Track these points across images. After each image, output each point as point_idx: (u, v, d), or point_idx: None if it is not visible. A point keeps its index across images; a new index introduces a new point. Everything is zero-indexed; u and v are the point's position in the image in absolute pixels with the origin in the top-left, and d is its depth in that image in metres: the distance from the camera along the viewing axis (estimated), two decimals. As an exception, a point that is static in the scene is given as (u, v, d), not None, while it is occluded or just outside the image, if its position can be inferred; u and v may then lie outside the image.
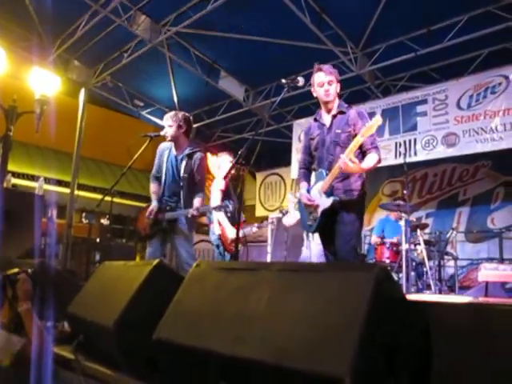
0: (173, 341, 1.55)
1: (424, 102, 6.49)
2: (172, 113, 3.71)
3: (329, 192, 2.86)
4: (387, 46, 6.10)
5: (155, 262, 2.01)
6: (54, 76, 6.74)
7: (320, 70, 2.98)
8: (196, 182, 3.63)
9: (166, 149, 3.77)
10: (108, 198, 4.09)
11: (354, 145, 2.64)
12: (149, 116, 8.60)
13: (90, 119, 8.03)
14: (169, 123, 3.63)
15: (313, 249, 4.75)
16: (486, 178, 7.24)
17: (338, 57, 6.20)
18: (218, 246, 4.49)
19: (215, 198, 4.45)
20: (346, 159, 2.60)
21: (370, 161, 2.80)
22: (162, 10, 6.05)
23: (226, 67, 7.28)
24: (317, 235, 4.31)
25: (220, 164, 4.75)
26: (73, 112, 7.74)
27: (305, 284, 1.38)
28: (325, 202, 2.85)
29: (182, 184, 3.60)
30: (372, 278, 1.23)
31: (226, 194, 4.49)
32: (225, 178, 3.49)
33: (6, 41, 6.41)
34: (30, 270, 2.42)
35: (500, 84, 5.77)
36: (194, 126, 8.91)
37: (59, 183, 9.13)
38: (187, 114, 3.76)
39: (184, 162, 3.61)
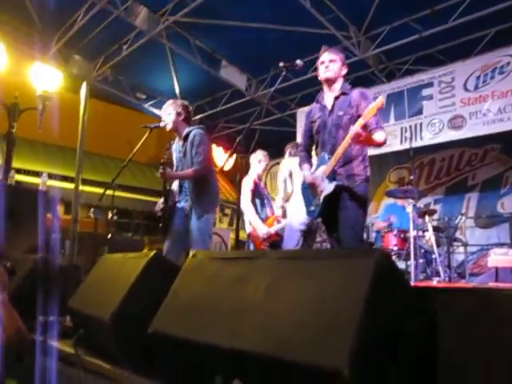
0: (169, 333, 1.50)
1: (430, 85, 6.36)
2: (169, 101, 3.61)
3: (331, 177, 2.76)
4: (391, 28, 5.97)
5: (151, 253, 1.97)
6: (55, 71, 6.70)
7: (325, 50, 2.90)
8: (192, 157, 3.41)
9: (175, 145, 3.67)
10: (109, 192, 4.03)
11: (357, 126, 2.55)
12: (151, 108, 8.54)
13: (93, 114, 7.98)
14: (167, 111, 3.54)
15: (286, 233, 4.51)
16: (495, 162, 7.09)
17: (341, 41, 6.07)
18: (249, 245, 4.48)
19: (245, 198, 4.37)
20: (358, 128, 2.50)
21: (378, 136, 2.71)
22: (160, 0, 5.96)
23: (226, 56, 7.19)
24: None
25: (251, 162, 4.64)
26: (75, 107, 7.70)
27: (303, 272, 1.32)
28: (327, 187, 2.75)
29: (180, 167, 3.49)
30: (372, 264, 1.16)
31: (255, 194, 4.45)
32: (221, 169, 3.33)
33: (7, 37, 6.37)
34: (8, 264, 2.37)
35: (508, 64, 5.62)
36: (197, 117, 8.86)
37: (64, 179, 9.11)
38: (185, 102, 3.65)
39: (181, 146, 3.51)
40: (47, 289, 2.96)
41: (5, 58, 6.16)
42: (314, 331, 1.10)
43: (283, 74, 2.84)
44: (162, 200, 3.50)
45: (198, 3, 5.52)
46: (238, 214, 2.86)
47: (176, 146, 3.64)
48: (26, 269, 3.05)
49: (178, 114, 3.52)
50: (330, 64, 2.83)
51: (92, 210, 11.47)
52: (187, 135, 3.47)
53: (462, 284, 4.42)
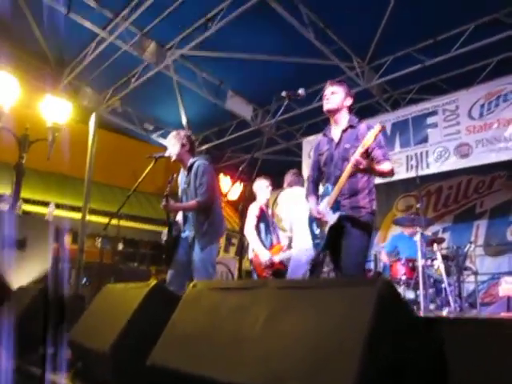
0: (167, 366, 1.47)
1: (434, 113, 6.39)
2: (174, 132, 3.65)
3: (335, 207, 2.76)
4: (394, 58, 6.05)
5: (152, 283, 1.94)
6: (65, 103, 6.85)
7: (328, 84, 2.97)
8: (196, 188, 3.43)
9: (180, 174, 3.71)
10: (115, 221, 4.04)
11: (357, 154, 2.55)
12: (158, 139, 8.65)
13: (102, 144, 8.10)
14: (172, 143, 3.58)
15: (291, 264, 4.44)
16: (503, 188, 7.02)
17: (345, 72, 6.16)
18: (251, 273, 4.43)
19: (250, 224, 4.38)
20: (358, 156, 2.51)
21: (383, 166, 2.72)
22: (167, 34, 6.12)
23: (232, 87, 7.31)
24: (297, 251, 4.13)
25: (257, 189, 4.63)
26: (85, 138, 7.82)
27: (303, 302, 1.29)
28: (331, 218, 2.75)
29: (183, 198, 3.52)
30: (375, 293, 1.13)
31: (260, 219, 4.43)
32: (225, 195, 3.31)
33: (19, 71, 6.55)
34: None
35: (512, 91, 5.65)
36: (204, 147, 8.95)
37: (73, 209, 9.16)
38: (188, 133, 3.70)
39: (185, 178, 3.54)
40: (48, 319, 2.93)
41: (17, 91, 6.32)
42: (314, 365, 1.07)
43: (286, 103, 2.87)
44: (166, 231, 3.52)
45: (203, 37, 5.66)
46: (241, 242, 2.82)
47: (181, 176, 3.67)
48: (28, 298, 3.03)
49: (183, 145, 3.55)
50: (331, 96, 2.90)
51: (99, 239, 11.50)
52: (191, 166, 3.51)
53: (469, 315, 4.29)
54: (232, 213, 10.87)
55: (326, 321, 1.17)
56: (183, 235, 3.50)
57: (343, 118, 2.93)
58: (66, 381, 2.09)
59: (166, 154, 3.61)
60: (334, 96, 2.90)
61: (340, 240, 2.75)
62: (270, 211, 4.68)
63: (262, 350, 1.22)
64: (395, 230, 6.62)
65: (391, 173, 2.76)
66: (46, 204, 8.90)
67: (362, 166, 2.54)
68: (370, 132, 2.54)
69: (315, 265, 3.96)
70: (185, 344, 1.49)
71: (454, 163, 6.17)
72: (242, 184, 5.04)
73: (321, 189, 3.12)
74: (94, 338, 2.03)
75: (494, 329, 1.20)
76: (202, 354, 1.39)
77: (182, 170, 3.67)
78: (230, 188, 3.04)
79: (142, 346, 1.63)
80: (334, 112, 2.92)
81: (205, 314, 1.54)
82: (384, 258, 5.81)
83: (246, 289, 1.50)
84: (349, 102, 2.95)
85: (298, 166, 8.10)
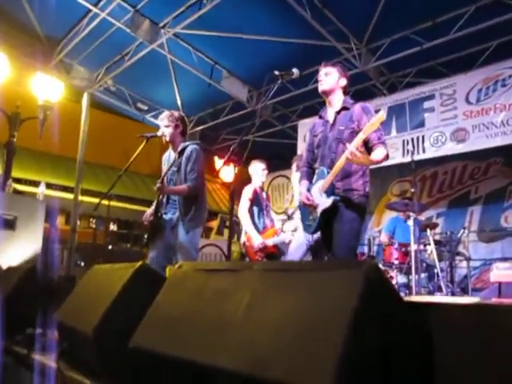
0: (149, 349, 1.43)
1: (431, 97, 6.31)
2: (167, 112, 3.60)
3: (329, 191, 2.72)
4: (392, 40, 5.95)
5: (138, 264, 1.90)
6: (56, 81, 6.72)
7: (322, 66, 2.93)
8: (187, 173, 3.41)
9: (166, 156, 3.67)
10: (107, 202, 3.99)
11: (357, 141, 2.50)
12: (152, 120, 8.54)
13: (95, 124, 8.00)
14: (165, 123, 3.51)
15: (291, 246, 4.43)
16: (499, 175, 7.00)
17: (342, 53, 6.06)
18: (243, 256, 4.41)
19: (243, 206, 4.36)
20: (353, 148, 2.47)
21: (378, 153, 2.67)
22: (161, 11, 5.98)
23: (227, 67, 7.19)
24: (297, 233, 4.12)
25: (252, 172, 4.60)
26: (77, 117, 7.72)
27: (288, 285, 1.25)
28: (325, 202, 2.72)
29: (173, 181, 3.46)
30: (361, 276, 1.09)
31: (254, 202, 4.40)
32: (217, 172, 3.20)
33: (9, 47, 6.39)
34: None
35: (510, 76, 5.56)
36: (198, 128, 8.85)
37: (65, 189, 9.10)
38: (182, 114, 3.65)
39: (175, 160, 3.48)
40: (36, 300, 2.90)
41: (7, 68, 6.18)
42: (296, 349, 1.03)
43: (279, 82, 2.80)
44: (150, 211, 3.48)
45: (197, 15, 5.53)
46: (230, 224, 2.79)
47: (167, 156, 3.63)
48: (15, 278, 3.00)
49: (176, 126, 3.51)
50: (325, 78, 2.87)
51: (94, 220, 11.48)
52: (183, 150, 3.47)
53: (465, 299, 4.31)
54: (227, 195, 10.84)
55: (311, 304, 1.13)
56: (166, 217, 3.45)
57: (338, 100, 2.89)
58: (51, 361, 2.06)
59: (159, 134, 3.54)
60: (328, 77, 2.87)
61: (332, 223, 2.73)
62: (264, 194, 4.64)
63: (246, 334, 1.18)
64: (391, 213, 6.60)
65: (385, 158, 2.71)
66: (38, 184, 8.83)
67: (356, 159, 2.49)
68: (373, 120, 2.47)
69: (318, 247, 3.94)
70: (168, 326, 1.45)
71: (450, 148, 6.13)
72: (236, 167, 4.98)
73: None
74: (78, 319, 1.99)
75: (482, 314, 1.17)
76: (184, 337, 1.35)
77: (170, 150, 3.63)
78: (221, 166, 2.98)
79: (127, 328, 1.60)
80: (328, 93, 2.88)
81: (189, 296, 1.50)
82: (384, 239, 5.81)
83: (232, 271, 1.45)
84: (343, 82, 2.90)
85: (293, 148, 8.05)
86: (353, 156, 2.48)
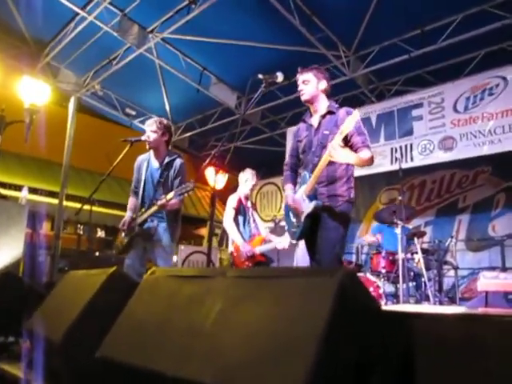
0: (116, 359, 1.35)
1: (419, 105, 6.33)
2: (156, 119, 3.60)
3: (312, 196, 2.68)
4: (380, 48, 5.95)
5: (111, 269, 1.83)
6: (43, 85, 6.62)
7: (298, 74, 2.88)
8: (174, 186, 3.42)
9: (144, 160, 3.63)
10: (96, 208, 3.94)
11: (336, 140, 2.45)
12: (141, 125, 8.46)
13: (82, 129, 7.88)
14: (152, 129, 3.50)
15: (297, 254, 4.50)
16: (487, 183, 7.02)
17: (331, 61, 6.05)
18: (231, 265, 4.38)
19: (228, 216, 4.37)
20: (335, 144, 2.43)
21: (362, 154, 2.63)
22: (150, 16, 5.93)
23: (216, 73, 7.15)
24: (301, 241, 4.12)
25: (241, 181, 4.60)
26: (63, 121, 7.61)
27: (260, 292, 1.19)
28: (307, 207, 2.67)
29: (159, 191, 3.43)
30: (335, 284, 1.03)
31: (238, 212, 4.39)
32: (213, 188, 3.13)
33: (-5, 49, 6.31)
34: None
35: (498, 85, 5.60)
36: (187, 134, 8.78)
37: (51, 194, 8.97)
38: (170, 123, 3.66)
39: (162, 171, 3.48)
40: (10, 307, 2.80)
41: (-9, 70, 6.09)
42: (265, 361, 0.97)
43: (263, 86, 2.75)
44: (127, 217, 3.49)
45: (187, 19, 5.48)
46: (210, 231, 2.72)
47: (149, 166, 3.57)
48: (-10, 285, 2.89)
49: (163, 133, 3.52)
50: (303, 87, 2.83)
51: (81, 227, 11.31)
52: (170, 162, 3.49)
53: (449, 308, 4.26)
54: (216, 202, 10.75)
55: (283, 313, 1.08)
56: (145, 225, 3.41)
57: (322, 104, 2.86)
58: (19, 371, 1.97)
59: (143, 138, 3.53)
60: (307, 85, 2.82)
61: (316, 230, 2.67)
62: (249, 203, 4.59)
63: (214, 343, 1.12)
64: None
65: (370, 161, 2.67)
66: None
67: (337, 155, 2.45)
68: (349, 118, 2.44)
69: None
70: (137, 335, 1.38)
71: (438, 157, 6.14)
72: (226, 175, 4.95)
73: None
74: (48, 326, 1.91)
75: (466, 326, 1.11)
76: (152, 347, 1.28)
77: (149, 156, 3.60)
78: (203, 168, 2.95)
79: (97, 336, 1.52)
80: (311, 101, 2.85)
81: (160, 304, 1.43)
82: (369, 240, 5.80)
83: (204, 277, 1.39)
84: (323, 85, 2.85)
85: (282, 155, 8.00)
86: (335, 152, 2.44)
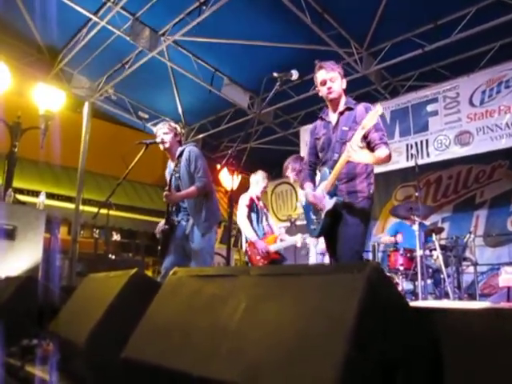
0: (140, 359, 1.35)
1: (434, 100, 6.25)
2: (165, 122, 3.71)
3: (332, 192, 2.65)
4: (393, 43, 5.89)
5: (132, 271, 1.83)
6: (58, 91, 6.72)
7: (321, 67, 2.80)
8: (192, 174, 3.40)
9: (168, 165, 3.70)
10: (113, 212, 3.99)
11: (356, 137, 2.43)
12: (154, 128, 8.50)
13: (97, 134, 7.97)
14: (164, 131, 3.56)
15: (311, 257, 4.49)
16: (504, 178, 6.90)
17: (343, 58, 6.00)
18: (247, 263, 4.40)
19: (241, 213, 4.38)
20: (353, 145, 2.40)
21: (380, 152, 2.59)
22: (161, 19, 5.96)
23: (228, 74, 7.15)
24: (321, 242, 4.10)
25: (252, 182, 4.63)
26: (78, 127, 7.71)
27: (286, 290, 1.17)
28: (327, 204, 2.64)
29: (179, 187, 3.44)
30: (363, 280, 1.01)
31: (251, 210, 4.41)
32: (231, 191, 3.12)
33: (9, 57, 6.40)
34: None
35: (514, 77, 5.50)
36: (200, 136, 8.81)
37: (68, 199, 9.08)
38: (181, 125, 3.85)
39: (175, 166, 3.51)
40: (33, 310, 2.83)
41: (8, 79, 6.18)
42: (293, 358, 0.95)
43: (277, 84, 2.73)
44: (163, 221, 3.47)
45: (198, 21, 5.50)
46: (229, 230, 2.72)
47: (169, 168, 3.63)
48: (13, 288, 2.94)
49: (176, 135, 3.57)
50: (332, 84, 2.75)
51: (97, 230, 11.45)
52: (181, 154, 3.49)
53: (474, 303, 4.20)
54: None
55: (310, 311, 1.06)
56: (178, 226, 3.44)
57: (342, 101, 2.82)
58: (44, 374, 1.99)
59: (158, 140, 3.56)
60: (334, 84, 2.75)
61: (336, 227, 2.65)
62: (261, 203, 4.60)
63: (240, 342, 1.11)
64: (396, 219, 6.52)
65: (388, 158, 2.63)
66: (40, 194, 8.80)
67: (356, 155, 2.43)
68: (371, 112, 2.41)
69: None
70: (161, 335, 1.38)
71: (454, 152, 6.05)
72: (234, 174, 4.98)
73: (318, 174, 3.01)
74: (71, 329, 1.93)
75: (493, 320, 1.09)
76: (177, 347, 1.28)
77: (169, 162, 3.66)
78: (219, 170, 2.97)
79: (120, 338, 1.52)
80: (338, 99, 2.80)
81: (183, 303, 1.43)
82: (386, 241, 5.74)
83: (227, 276, 1.38)
84: (344, 84, 2.83)
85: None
86: (353, 153, 2.41)
